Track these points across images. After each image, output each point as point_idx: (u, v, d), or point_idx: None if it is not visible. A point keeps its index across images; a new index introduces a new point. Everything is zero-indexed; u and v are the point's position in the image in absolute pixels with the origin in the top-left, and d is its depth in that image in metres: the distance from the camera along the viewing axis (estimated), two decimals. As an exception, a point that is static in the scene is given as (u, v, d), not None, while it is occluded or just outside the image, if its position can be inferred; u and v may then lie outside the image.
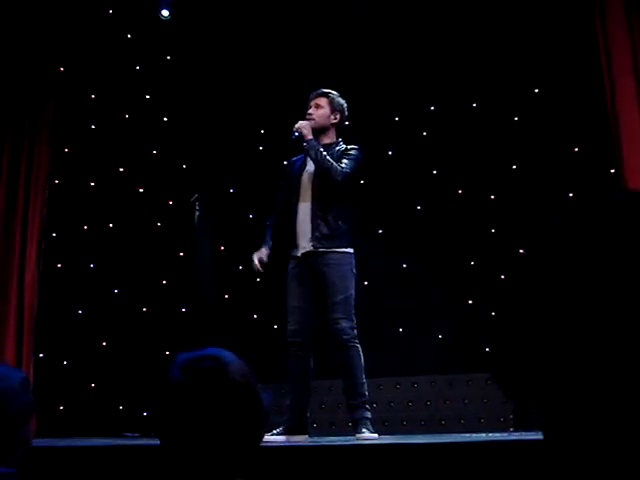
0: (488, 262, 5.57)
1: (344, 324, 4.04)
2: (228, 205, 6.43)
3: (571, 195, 5.42)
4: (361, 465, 3.04)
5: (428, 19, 6.00)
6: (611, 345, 0.58)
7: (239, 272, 6.29)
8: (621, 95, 4.84)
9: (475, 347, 5.19)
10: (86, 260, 6.17)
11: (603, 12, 4.99)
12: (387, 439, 3.87)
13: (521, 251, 4.79)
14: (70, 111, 6.17)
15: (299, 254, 4.18)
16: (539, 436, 0.66)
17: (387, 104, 6.11)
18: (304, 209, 4.18)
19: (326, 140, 4.27)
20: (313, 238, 4.11)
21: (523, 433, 4.37)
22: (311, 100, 4.32)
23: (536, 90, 5.80)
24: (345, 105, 4.36)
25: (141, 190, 6.41)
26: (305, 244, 4.15)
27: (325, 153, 4.13)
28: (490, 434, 4.29)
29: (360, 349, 4.06)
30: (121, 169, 6.39)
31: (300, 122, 4.21)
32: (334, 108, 4.31)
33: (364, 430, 3.92)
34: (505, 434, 4.43)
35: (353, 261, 4.16)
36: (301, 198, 4.21)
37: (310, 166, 4.24)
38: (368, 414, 4.03)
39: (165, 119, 6.55)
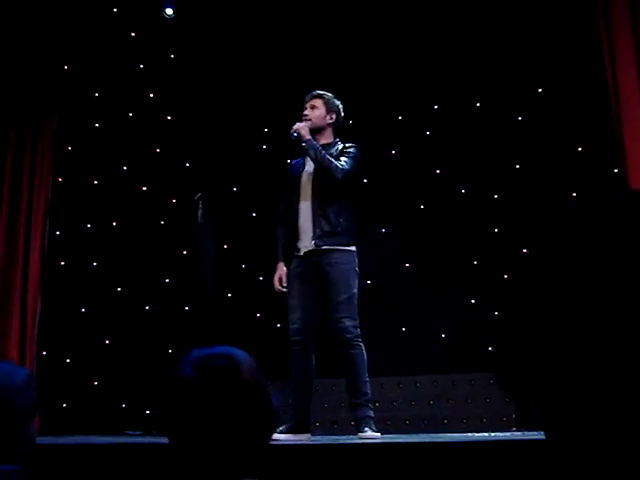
0: (491, 262, 5.56)
1: (348, 323, 4.04)
2: (231, 204, 6.43)
3: (574, 195, 5.42)
4: (363, 464, 3.04)
5: (432, 18, 5.99)
6: (612, 345, 0.58)
7: (242, 270, 6.30)
8: (625, 95, 4.84)
9: (478, 347, 5.20)
10: (89, 258, 6.18)
11: (607, 12, 4.98)
12: (389, 438, 3.87)
13: (525, 251, 4.79)
14: (74, 109, 6.18)
15: (302, 253, 4.20)
16: (541, 436, 0.66)
17: (391, 103, 6.11)
18: (305, 208, 4.21)
19: (323, 140, 4.31)
20: (315, 236, 4.13)
21: (525, 433, 4.37)
22: (306, 102, 4.39)
23: (540, 90, 5.79)
24: (340, 106, 4.41)
25: (144, 188, 6.42)
26: (307, 243, 4.17)
27: (324, 152, 4.17)
28: (492, 434, 4.29)
29: (363, 348, 4.06)
30: (125, 167, 6.40)
31: (298, 123, 4.26)
32: (329, 108, 4.37)
33: (366, 429, 3.93)
34: (507, 434, 4.43)
35: (356, 260, 4.17)
36: (302, 197, 4.24)
37: (309, 166, 4.28)
38: (371, 413, 4.04)
39: (169, 118, 6.55)
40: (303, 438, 4.02)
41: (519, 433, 4.52)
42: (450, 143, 5.95)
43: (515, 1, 5.78)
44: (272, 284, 4.33)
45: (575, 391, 0.61)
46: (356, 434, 3.99)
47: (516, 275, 0.67)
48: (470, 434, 4.28)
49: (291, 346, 4.15)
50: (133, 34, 6.35)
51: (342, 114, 4.43)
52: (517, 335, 0.65)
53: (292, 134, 4.23)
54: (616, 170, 5.03)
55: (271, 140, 6.39)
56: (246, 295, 6.21)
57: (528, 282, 0.65)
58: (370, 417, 4.01)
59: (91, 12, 6.08)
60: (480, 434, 4.23)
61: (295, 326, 4.15)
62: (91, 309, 6.08)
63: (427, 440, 3.54)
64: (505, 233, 5.68)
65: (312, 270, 4.16)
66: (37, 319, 5.58)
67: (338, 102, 4.42)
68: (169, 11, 6.16)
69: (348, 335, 4.04)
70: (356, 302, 4.11)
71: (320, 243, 4.13)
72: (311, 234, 4.15)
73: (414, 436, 4.32)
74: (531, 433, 4.01)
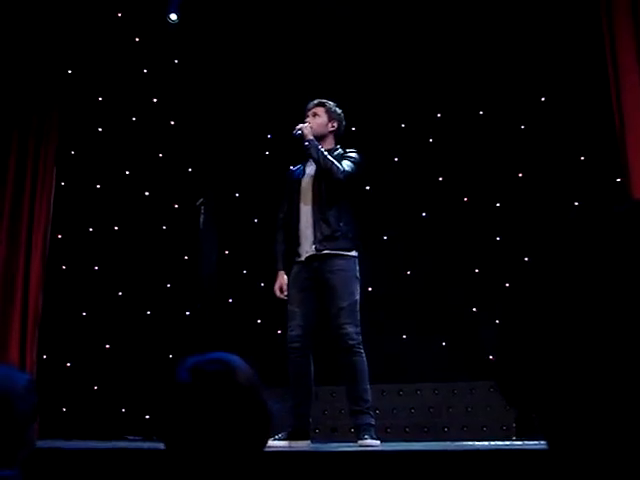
0: (493, 270, 5.56)
1: (350, 329, 4.04)
2: (233, 209, 6.44)
3: (577, 204, 5.42)
4: (363, 472, 3.03)
5: (436, 27, 6.01)
6: (614, 355, 0.58)
7: (243, 276, 6.30)
8: (628, 104, 4.84)
9: (479, 355, 5.19)
10: (91, 262, 6.19)
11: (610, 22, 4.98)
12: (389, 446, 3.86)
13: (526, 260, 4.79)
14: (77, 113, 6.19)
15: (303, 258, 4.20)
16: (542, 445, 0.66)
17: (393, 111, 6.12)
18: (306, 213, 4.22)
19: (324, 147, 4.31)
20: (315, 240, 4.14)
21: (526, 442, 4.36)
22: (309, 110, 4.42)
23: (543, 98, 5.80)
24: (342, 114, 4.42)
25: (147, 193, 6.43)
26: (308, 248, 4.18)
27: (326, 152, 4.18)
28: (493, 442, 4.28)
29: (364, 355, 4.06)
30: (127, 172, 6.41)
31: (301, 124, 4.28)
32: (331, 116, 4.40)
33: (367, 437, 3.91)
34: (508, 443, 4.42)
35: (357, 266, 4.17)
36: (302, 202, 4.25)
37: (310, 170, 4.29)
38: (372, 420, 4.03)
39: (172, 123, 6.57)
40: (303, 445, 4.01)
41: (519, 442, 4.51)
42: (453, 151, 5.96)
43: (518, 10, 5.80)
44: (273, 291, 4.33)
45: (577, 400, 0.60)
46: (356, 441, 3.97)
47: (517, 284, 0.67)
48: (470, 443, 4.26)
49: (290, 353, 4.14)
50: (137, 39, 6.37)
51: (344, 122, 4.45)
52: (518, 343, 0.65)
53: (295, 132, 4.25)
54: (619, 179, 5.02)
55: (273, 146, 6.40)
56: (247, 301, 6.21)
57: (529, 291, 0.65)
58: (370, 424, 4.00)
59: (95, 17, 6.11)
60: (480, 443, 4.21)
61: (294, 333, 4.14)
62: (92, 313, 6.08)
63: (427, 448, 3.53)
64: (507, 242, 5.67)
65: (313, 277, 4.16)
66: (38, 323, 5.58)
67: (340, 110, 4.44)
68: (173, 16, 6.18)
69: (350, 342, 4.03)
70: (358, 308, 4.10)
71: (321, 247, 4.13)
72: (312, 239, 4.16)
73: (414, 444, 4.31)
74: (532, 442, 4.00)
